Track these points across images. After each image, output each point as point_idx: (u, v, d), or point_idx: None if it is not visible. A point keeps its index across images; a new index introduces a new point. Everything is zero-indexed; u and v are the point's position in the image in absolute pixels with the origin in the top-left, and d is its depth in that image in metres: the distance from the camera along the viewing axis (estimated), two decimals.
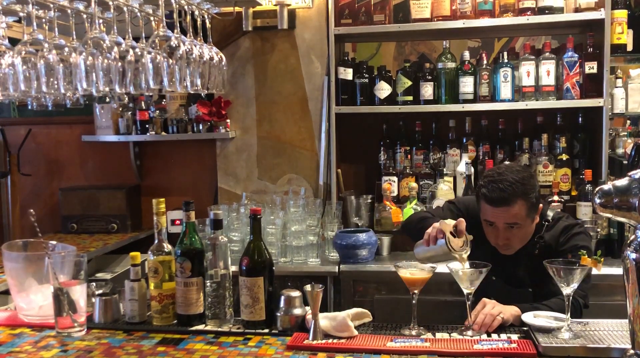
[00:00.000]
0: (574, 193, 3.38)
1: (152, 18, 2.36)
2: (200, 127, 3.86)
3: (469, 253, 2.03)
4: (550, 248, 2.28)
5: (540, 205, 2.31)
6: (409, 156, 3.58)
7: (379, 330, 2.01)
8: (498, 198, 2.17)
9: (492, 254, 2.25)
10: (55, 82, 2.20)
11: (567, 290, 1.86)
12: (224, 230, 2.18)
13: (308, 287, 1.90)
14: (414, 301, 1.99)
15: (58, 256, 2.04)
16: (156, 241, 2.09)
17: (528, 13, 3.32)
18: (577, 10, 3.32)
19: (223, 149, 3.92)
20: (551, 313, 1.99)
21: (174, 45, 2.20)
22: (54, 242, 2.20)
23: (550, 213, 2.37)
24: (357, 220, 3.48)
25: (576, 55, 3.32)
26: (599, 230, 3.09)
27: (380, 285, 3.08)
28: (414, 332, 1.96)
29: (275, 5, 3.67)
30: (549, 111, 3.53)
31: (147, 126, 3.91)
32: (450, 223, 2.05)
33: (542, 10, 3.32)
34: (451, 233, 2.02)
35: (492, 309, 2.00)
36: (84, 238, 3.87)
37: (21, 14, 2.36)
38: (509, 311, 2.04)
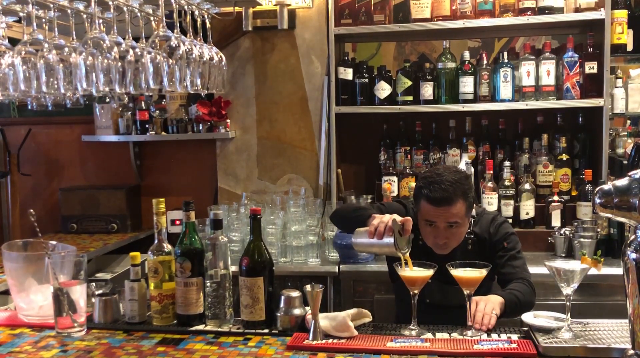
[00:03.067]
0: (574, 193, 3.38)
1: (152, 18, 2.36)
2: (200, 128, 3.86)
3: (409, 252, 2.06)
4: (484, 241, 2.36)
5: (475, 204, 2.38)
6: (409, 156, 3.58)
7: (379, 330, 2.01)
8: (440, 197, 2.20)
9: (427, 254, 2.27)
10: (55, 82, 2.20)
11: (567, 290, 1.86)
12: (224, 230, 2.18)
13: (308, 287, 1.91)
14: (413, 301, 1.99)
15: (58, 256, 2.04)
16: (156, 241, 2.09)
17: (528, 13, 3.32)
18: (577, 10, 3.32)
19: (223, 149, 3.92)
20: (551, 313, 1.99)
21: (174, 45, 2.20)
22: (54, 242, 2.20)
23: (472, 210, 2.42)
24: None
25: (576, 55, 3.32)
26: (599, 230, 3.09)
27: (380, 285, 3.08)
28: (414, 332, 1.96)
29: (275, 5, 3.67)
30: (549, 111, 3.53)
31: (147, 126, 3.92)
32: (397, 218, 2.06)
33: (542, 10, 3.32)
34: (398, 231, 2.04)
35: (486, 307, 2.03)
36: (84, 238, 3.87)
37: (21, 14, 2.36)
38: (497, 302, 2.08)
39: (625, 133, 3.64)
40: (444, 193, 2.20)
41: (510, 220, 3.26)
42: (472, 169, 3.40)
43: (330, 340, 1.89)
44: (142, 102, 3.91)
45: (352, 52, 3.87)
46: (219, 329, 2.03)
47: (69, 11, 2.27)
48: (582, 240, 3.06)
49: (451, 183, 2.21)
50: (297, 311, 2.01)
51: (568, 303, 1.86)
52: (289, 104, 3.82)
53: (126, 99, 2.65)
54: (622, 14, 3.32)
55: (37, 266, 2.11)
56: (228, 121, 3.85)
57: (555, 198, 3.27)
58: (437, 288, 2.30)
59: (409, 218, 2.08)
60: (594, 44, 3.34)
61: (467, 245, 2.35)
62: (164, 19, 2.27)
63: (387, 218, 2.06)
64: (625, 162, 3.41)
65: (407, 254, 2.05)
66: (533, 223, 3.33)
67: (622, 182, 1.59)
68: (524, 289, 2.22)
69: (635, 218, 1.57)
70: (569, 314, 1.87)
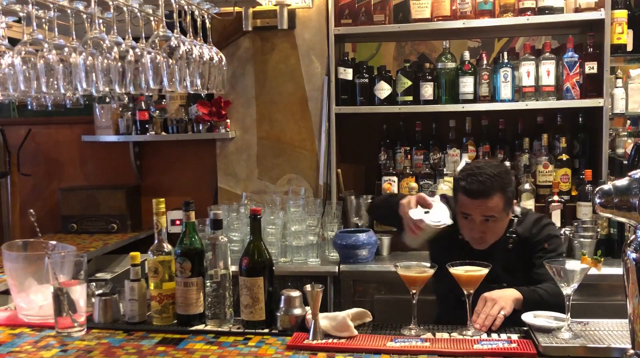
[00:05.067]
0: (574, 193, 3.38)
1: (152, 18, 2.36)
2: (200, 127, 3.86)
3: (449, 220, 2.19)
4: (525, 241, 2.34)
5: (515, 201, 2.36)
6: (409, 156, 3.58)
7: (379, 330, 2.01)
8: (477, 190, 2.21)
9: (465, 250, 2.27)
10: (55, 82, 2.20)
11: (567, 290, 1.86)
12: (224, 230, 2.18)
13: (308, 287, 1.90)
14: (414, 301, 1.99)
15: (58, 256, 2.04)
16: (156, 241, 2.09)
17: (528, 13, 3.32)
18: (577, 10, 3.32)
19: (223, 149, 3.92)
20: (551, 313, 1.99)
21: (174, 45, 2.20)
22: (54, 242, 2.20)
23: (517, 209, 2.42)
24: (357, 220, 3.48)
25: (576, 55, 3.32)
26: (599, 229, 3.09)
27: (380, 285, 3.08)
28: (413, 332, 1.96)
29: (275, 5, 3.67)
30: (549, 111, 3.53)
31: (147, 126, 3.92)
32: (412, 202, 2.20)
33: (542, 11, 3.32)
34: (425, 212, 2.15)
35: (492, 309, 2.01)
36: (84, 238, 3.87)
37: (21, 14, 2.36)
38: (509, 300, 2.07)
39: (625, 133, 3.64)
40: (481, 186, 2.20)
41: None
42: None
43: (330, 340, 1.89)
44: (142, 102, 3.91)
45: (352, 52, 3.87)
46: (219, 329, 2.03)
47: (69, 11, 2.27)
48: (582, 240, 3.06)
49: (489, 176, 2.21)
50: (297, 311, 2.01)
51: (568, 303, 1.86)
52: (289, 104, 3.82)
53: (126, 99, 2.65)
54: (622, 14, 3.32)
55: (37, 266, 2.11)
56: (228, 121, 3.85)
57: (555, 198, 3.27)
58: (481, 288, 2.27)
59: (420, 194, 2.25)
60: (594, 44, 3.34)
61: (507, 243, 2.33)
62: (164, 19, 2.27)
63: (406, 201, 2.20)
64: (625, 162, 3.40)
65: (447, 220, 2.19)
66: None
67: (622, 182, 1.59)
68: (553, 290, 2.11)
69: (635, 218, 1.57)
70: (569, 314, 1.87)
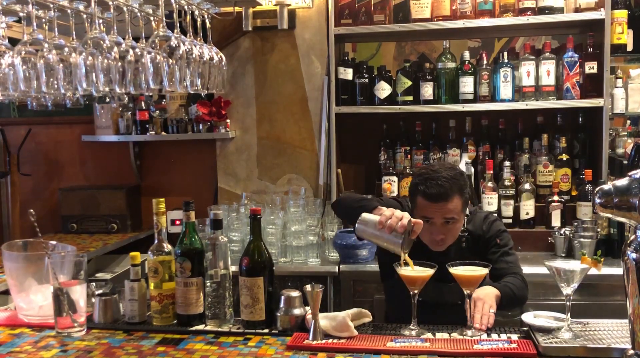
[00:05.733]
0: (574, 193, 3.38)
1: (152, 18, 2.36)
2: (200, 127, 3.86)
3: (406, 253, 2.06)
4: (478, 238, 2.37)
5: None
6: (409, 156, 3.58)
7: (379, 330, 2.01)
8: (437, 193, 2.21)
9: (422, 251, 2.27)
10: (55, 82, 2.20)
11: (567, 290, 1.86)
12: (224, 230, 2.18)
13: (308, 287, 1.90)
14: (414, 301, 1.99)
15: (58, 256, 2.04)
16: (156, 241, 2.09)
17: (528, 13, 3.32)
18: (577, 10, 3.32)
19: (223, 149, 3.92)
20: (551, 313, 1.99)
21: (174, 45, 2.20)
22: (54, 242, 2.20)
23: (467, 207, 2.43)
24: None
25: (576, 55, 3.32)
26: (599, 230, 3.09)
27: (380, 285, 3.06)
28: (414, 332, 1.96)
29: (275, 5, 3.67)
30: (549, 111, 3.53)
31: (147, 126, 3.92)
32: (406, 215, 2.05)
33: (542, 10, 3.32)
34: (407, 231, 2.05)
35: (484, 307, 2.03)
36: (84, 238, 3.87)
37: (21, 14, 2.36)
38: (493, 297, 2.09)
39: (625, 133, 3.64)
40: (441, 189, 2.21)
41: (510, 220, 3.30)
42: (472, 169, 3.41)
43: (330, 340, 1.89)
44: (142, 102, 3.91)
45: (352, 52, 3.87)
46: (219, 329, 2.03)
47: (69, 11, 2.27)
48: (582, 240, 3.06)
49: (447, 179, 2.22)
50: (297, 311, 2.01)
51: (568, 303, 1.86)
52: (289, 104, 3.82)
53: (126, 99, 2.65)
54: (622, 14, 3.32)
55: (37, 266, 2.11)
56: (228, 121, 3.85)
57: (555, 198, 3.27)
58: (431, 286, 2.29)
59: (420, 221, 2.07)
60: (594, 44, 3.34)
61: (461, 242, 2.36)
62: (164, 19, 2.27)
63: (399, 214, 2.05)
64: (625, 162, 3.40)
65: (407, 254, 2.05)
66: (533, 223, 3.33)
67: (622, 182, 1.59)
68: (518, 283, 2.25)
69: (635, 218, 1.57)
70: (569, 314, 1.87)
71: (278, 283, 2.13)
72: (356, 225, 2.13)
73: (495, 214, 2.59)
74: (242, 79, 3.84)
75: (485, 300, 2.06)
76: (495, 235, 2.38)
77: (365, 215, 2.13)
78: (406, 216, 2.04)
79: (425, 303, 2.28)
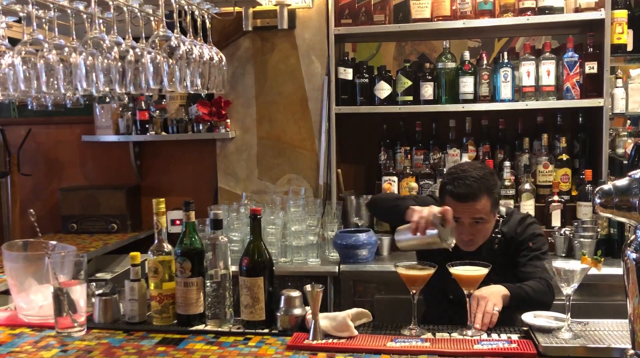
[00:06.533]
0: (574, 193, 3.38)
1: (152, 18, 2.36)
2: (200, 127, 3.86)
3: (454, 242, 2.08)
4: (510, 240, 2.35)
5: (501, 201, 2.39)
6: (409, 156, 3.58)
7: (379, 330, 2.01)
8: (465, 193, 2.21)
9: (454, 251, 2.27)
10: (55, 82, 2.20)
11: (567, 290, 1.86)
12: (224, 230, 2.18)
13: (308, 287, 1.91)
14: (414, 301, 2.00)
15: (58, 256, 2.04)
16: (156, 241, 2.09)
17: (528, 13, 3.32)
18: (577, 10, 3.32)
19: (223, 149, 3.92)
20: (551, 313, 2.00)
21: (174, 45, 2.20)
22: (54, 242, 2.20)
23: (502, 209, 2.43)
24: (357, 220, 3.48)
25: (576, 55, 3.32)
26: (599, 229, 3.09)
27: (380, 285, 3.08)
28: (414, 332, 1.96)
29: (275, 5, 3.67)
30: (549, 111, 3.53)
31: (147, 126, 3.92)
32: (435, 210, 2.06)
33: (542, 10, 3.32)
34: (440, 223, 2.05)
35: (487, 305, 2.02)
36: (84, 238, 3.87)
37: (21, 14, 2.36)
38: (499, 296, 2.08)
39: (625, 133, 3.64)
40: (469, 189, 2.20)
41: None
42: None
43: (330, 340, 1.89)
44: (142, 102, 3.91)
45: (352, 52, 3.87)
46: (219, 329, 2.03)
47: (69, 11, 2.27)
48: (582, 240, 3.06)
49: (476, 179, 2.21)
50: (297, 311, 2.01)
51: (568, 303, 1.86)
52: (289, 104, 3.82)
53: (126, 99, 2.65)
54: (622, 14, 3.32)
55: (37, 266, 2.11)
56: (228, 121, 3.85)
57: (556, 198, 3.27)
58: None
59: (447, 207, 2.08)
60: (594, 44, 3.34)
61: (493, 244, 2.34)
62: (164, 19, 2.27)
63: (426, 212, 2.05)
64: (625, 162, 3.40)
65: (452, 244, 2.06)
66: None
67: (622, 182, 1.59)
68: (538, 287, 2.19)
69: (635, 218, 1.57)
70: (569, 314, 1.87)
71: (278, 283, 2.13)
72: (396, 243, 2.18)
73: (534, 218, 2.52)
74: (242, 79, 3.84)
75: (489, 298, 2.04)
76: (529, 238, 2.34)
77: (399, 229, 2.17)
78: (432, 210, 2.05)
79: (454, 301, 2.27)
